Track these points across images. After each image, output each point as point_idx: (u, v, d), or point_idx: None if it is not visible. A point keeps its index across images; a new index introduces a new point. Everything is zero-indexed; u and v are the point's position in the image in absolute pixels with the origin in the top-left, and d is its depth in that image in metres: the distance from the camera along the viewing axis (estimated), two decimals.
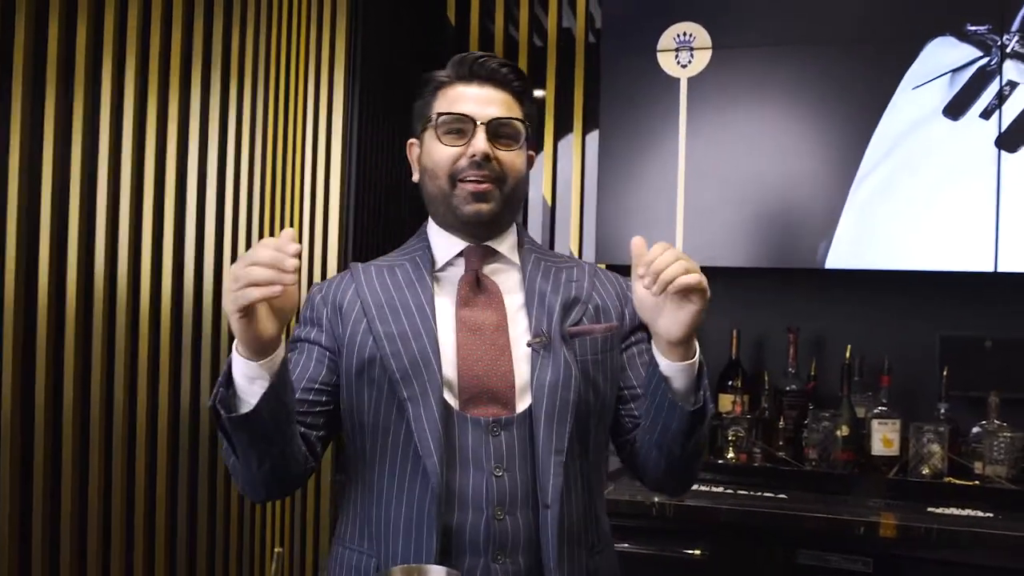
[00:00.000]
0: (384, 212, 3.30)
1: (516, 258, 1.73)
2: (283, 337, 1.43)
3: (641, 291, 1.47)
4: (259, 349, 1.39)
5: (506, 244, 1.73)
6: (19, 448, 2.46)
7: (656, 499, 2.65)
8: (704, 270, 3.31)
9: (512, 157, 1.66)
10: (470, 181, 1.63)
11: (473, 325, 1.62)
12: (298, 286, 1.40)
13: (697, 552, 2.63)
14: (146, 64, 2.69)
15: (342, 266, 2.97)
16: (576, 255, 3.36)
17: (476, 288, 1.66)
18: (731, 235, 2.98)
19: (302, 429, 1.59)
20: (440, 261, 1.70)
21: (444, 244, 1.71)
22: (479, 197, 1.64)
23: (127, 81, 2.65)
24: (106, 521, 2.62)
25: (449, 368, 1.59)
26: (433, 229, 1.74)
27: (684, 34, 3.03)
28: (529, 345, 1.61)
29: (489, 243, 1.71)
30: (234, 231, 2.87)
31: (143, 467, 2.68)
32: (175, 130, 2.74)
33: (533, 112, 1.76)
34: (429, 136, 1.69)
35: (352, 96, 3.00)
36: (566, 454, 1.57)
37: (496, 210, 1.66)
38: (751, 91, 2.97)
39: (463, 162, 1.63)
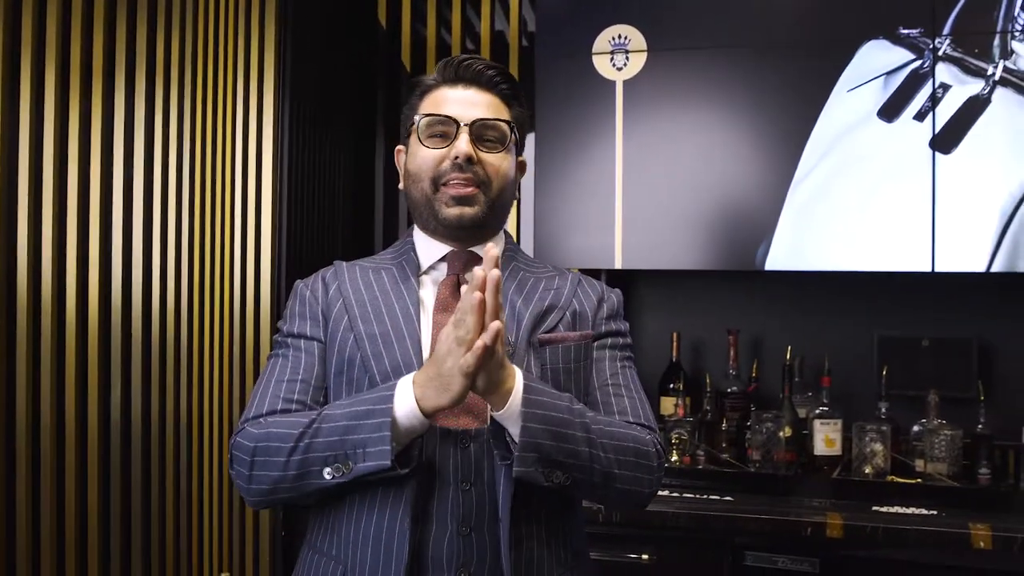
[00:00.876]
0: (318, 219, 3.22)
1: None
2: None
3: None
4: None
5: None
6: None
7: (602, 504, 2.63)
8: (643, 273, 3.31)
9: (497, 160, 1.63)
10: (453, 184, 1.59)
11: None
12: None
13: (645, 557, 2.61)
14: (67, 69, 2.59)
15: (276, 276, 2.89)
16: None
17: (456, 293, 1.61)
18: (670, 237, 2.97)
19: None
20: (424, 265, 1.66)
21: (428, 248, 1.67)
22: (462, 201, 1.60)
23: (47, 89, 2.55)
24: (35, 542, 2.51)
25: None
26: (418, 234, 1.70)
27: (619, 37, 3.02)
28: None
29: (474, 248, 1.67)
30: (163, 240, 2.78)
31: (73, 483, 2.57)
32: (99, 138, 2.64)
33: (523, 117, 1.72)
34: (413, 140, 1.65)
35: (282, 100, 2.93)
36: None
37: (479, 215, 1.62)
38: (688, 94, 2.97)
39: (446, 165, 1.60)
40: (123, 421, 2.68)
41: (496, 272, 1.35)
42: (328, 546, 1.58)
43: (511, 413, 1.44)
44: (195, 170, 2.84)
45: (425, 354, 1.55)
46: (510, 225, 3.38)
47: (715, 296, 3.30)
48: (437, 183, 1.61)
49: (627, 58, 3.01)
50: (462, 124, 1.60)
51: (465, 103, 1.62)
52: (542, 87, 3.12)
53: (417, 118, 1.64)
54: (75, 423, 2.57)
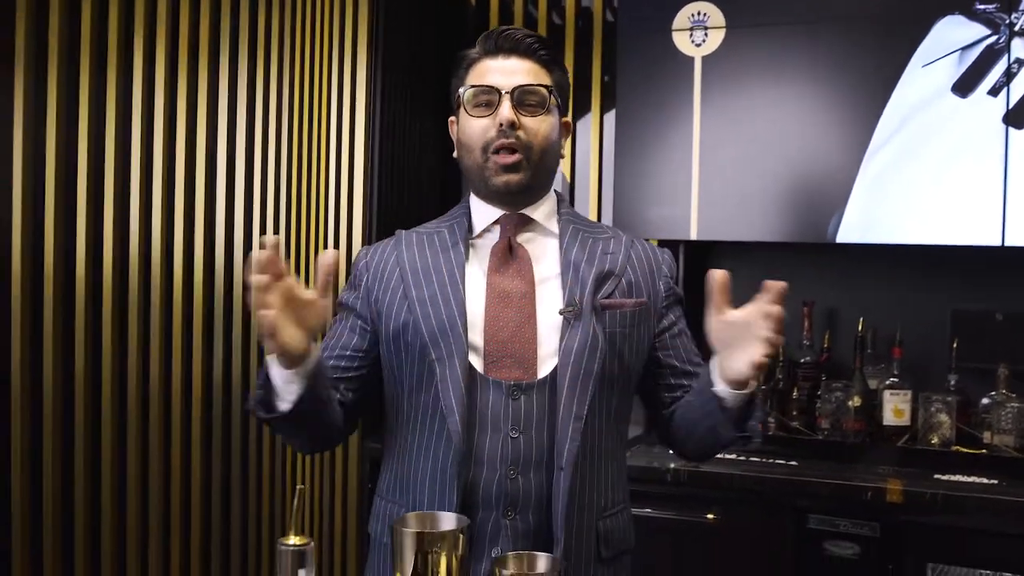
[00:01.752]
0: (408, 188, 3.38)
1: (553, 226, 1.80)
2: (316, 343, 1.57)
3: (717, 325, 1.59)
4: (292, 360, 1.52)
5: (542, 212, 1.80)
6: (61, 417, 2.56)
7: (672, 465, 2.75)
8: (719, 244, 3.39)
9: (538, 123, 1.73)
10: (501, 152, 1.71)
11: (502, 292, 1.70)
12: (331, 301, 1.54)
13: (711, 516, 2.72)
14: (176, 47, 2.76)
15: (367, 242, 3.06)
16: None
17: (508, 255, 1.74)
18: (745, 210, 3.05)
19: (337, 394, 1.72)
20: (478, 228, 1.78)
21: (482, 212, 1.79)
22: (508, 168, 1.71)
23: (158, 63, 2.73)
24: (144, 466, 2.72)
25: (476, 332, 1.68)
26: (473, 199, 1.82)
27: (698, 14, 3.10)
28: (561, 314, 1.68)
29: (524, 211, 1.78)
30: (262, 207, 2.96)
31: (178, 424, 2.77)
32: (204, 111, 2.82)
33: (564, 80, 1.81)
34: (461, 112, 1.76)
35: (375, 75, 3.09)
36: (585, 420, 1.65)
37: (525, 180, 1.73)
38: (764, 69, 3.03)
39: (492, 132, 1.71)
40: (224, 378, 2.88)
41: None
42: (392, 492, 1.75)
43: (749, 391, 1.60)
44: (293, 142, 3.01)
45: (469, 314, 1.68)
46: (591, 196, 3.50)
47: (791, 268, 3.35)
48: (487, 151, 1.72)
49: (706, 34, 3.09)
50: (503, 92, 1.70)
51: (506, 72, 1.72)
52: (624, 62, 3.22)
53: (462, 91, 1.75)
54: (180, 378, 2.78)
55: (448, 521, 1.37)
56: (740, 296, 3.36)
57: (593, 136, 3.50)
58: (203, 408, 2.83)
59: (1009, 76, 2.75)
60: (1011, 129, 2.74)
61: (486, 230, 1.79)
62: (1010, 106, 2.74)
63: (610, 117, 3.45)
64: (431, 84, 3.55)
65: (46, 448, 2.49)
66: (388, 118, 3.17)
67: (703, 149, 3.09)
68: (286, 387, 1.55)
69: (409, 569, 1.27)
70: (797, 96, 2.99)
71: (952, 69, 2.81)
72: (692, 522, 2.73)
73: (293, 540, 1.08)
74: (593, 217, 3.48)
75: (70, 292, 2.56)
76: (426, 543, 1.28)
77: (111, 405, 2.63)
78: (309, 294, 1.50)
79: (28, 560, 2.44)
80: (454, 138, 1.83)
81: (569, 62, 3.52)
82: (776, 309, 1.52)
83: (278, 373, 1.54)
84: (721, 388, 1.60)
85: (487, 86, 1.72)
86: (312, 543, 1.10)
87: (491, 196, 1.77)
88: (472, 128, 1.74)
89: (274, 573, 2.33)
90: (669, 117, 3.13)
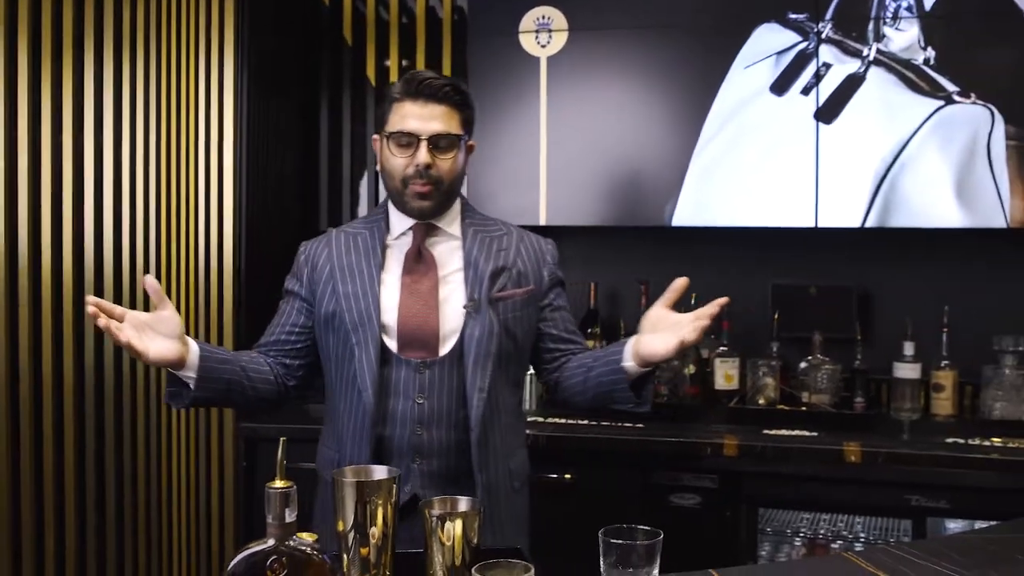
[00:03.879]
0: (271, 188, 3.50)
1: (455, 230, 2.17)
2: (188, 346, 1.95)
3: (656, 313, 2.01)
4: (174, 366, 1.93)
5: (447, 220, 2.16)
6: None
7: (529, 432, 2.99)
8: (564, 229, 3.67)
9: (449, 162, 2.08)
10: (416, 184, 2.06)
11: (413, 289, 2.10)
12: (172, 310, 1.90)
13: (568, 476, 2.99)
14: (38, 43, 2.76)
15: (238, 243, 3.21)
16: None
17: (418, 259, 2.11)
18: (588, 197, 3.35)
19: (287, 360, 2.19)
20: (395, 232, 2.15)
21: (398, 220, 2.16)
22: (422, 196, 2.08)
23: (19, 59, 2.72)
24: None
25: (392, 320, 2.08)
26: (392, 208, 2.18)
27: (543, 17, 3.37)
28: (464, 308, 2.08)
29: (432, 221, 2.14)
30: (132, 206, 2.98)
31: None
32: (70, 110, 2.81)
33: (472, 115, 2.15)
34: (384, 146, 2.10)
35: (241, 76, 3.20)
36: (488, 391, 2.06)
37: (435, 205, 2.11)
38: (604, 69, 3.34)
39: (411, 169, 2.06)
40: (96, 374, 2.92)
41: None
42: (330, 441, 2.18)
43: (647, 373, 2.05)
44: (161, 140, 3.08)
45: (383, 309, 2.09)
46: None
47: (628, 250, 3.66)
48: (405, 182, 2.08)
49: (550, 36, 3.36)
50: (421, 138, 2.04)
51: (424, 117, 2.06)
52: (474, 63, 3.46)
53: (386, 133, 2.09)
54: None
55: (380, 473, 1.57)
56: (586, 277, 3.63)
57: None
58: (75, 403, 2.87)
59: (818, 77, 3.12)
60: (821, 124, 3.12)
61: (402, 234, 2.15)
62: (820, 104, 3.12)
63: None
64: (291, 83, 3.68)
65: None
66: (255, 122, 3.28)
67: (550, 143, 3.36)
68: (187, 379, 1.98)
69: (351, 516, 1.47)
70: (635, 93, 3.30)
71: (769, 71, 3.17)
72: (551, 482, 2.98)
73: (279, 484, 1.29)
74: None
75: None
76: (365, 492, 1.48)
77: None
78: (148, 315, 1.88)
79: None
80: (377, 154, 2.16)
81: (420, 60, 3.73)
82: (708, 322, 1.93)
83: (180, 374, 1.97)
84: (629, 364, 2.02)
85: (408, 132, 2.05)
86: (295, 486, 1.31)
87: (406, 212, 2.13)
88: (394, 162, 2.09)
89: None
90: (518, 113, 3.39)
